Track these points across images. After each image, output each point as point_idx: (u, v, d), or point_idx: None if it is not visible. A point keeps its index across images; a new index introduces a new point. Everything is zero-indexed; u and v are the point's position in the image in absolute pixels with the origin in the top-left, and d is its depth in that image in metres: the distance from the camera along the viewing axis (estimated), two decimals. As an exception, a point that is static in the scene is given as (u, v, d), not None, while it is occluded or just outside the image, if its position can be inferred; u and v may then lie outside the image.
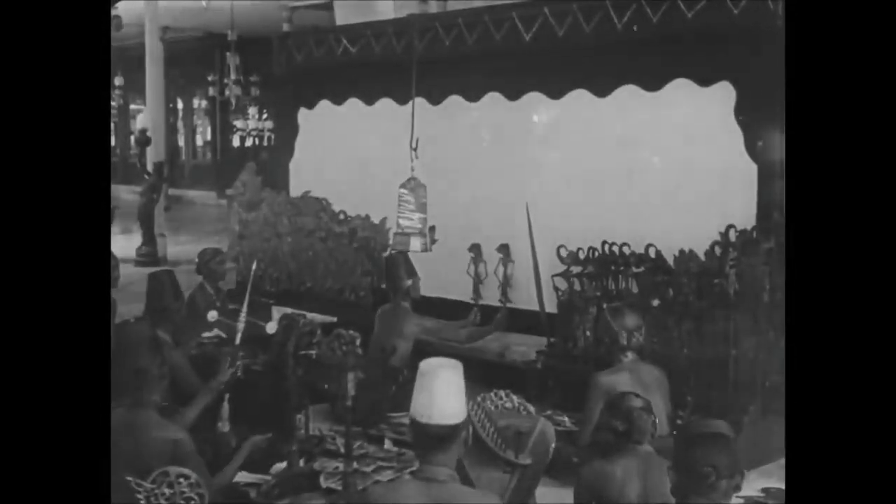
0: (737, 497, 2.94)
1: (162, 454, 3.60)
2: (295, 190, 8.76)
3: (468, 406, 2.96)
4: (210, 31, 19.32)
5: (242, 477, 4.38)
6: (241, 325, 4.77)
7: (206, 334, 6.03)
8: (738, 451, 2.98)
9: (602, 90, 6.54)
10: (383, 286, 6.92)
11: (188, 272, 7.41)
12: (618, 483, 3.53)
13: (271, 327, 5.08)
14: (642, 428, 3.65)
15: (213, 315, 5.40)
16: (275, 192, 8.83)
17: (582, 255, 6.20)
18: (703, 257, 5.62)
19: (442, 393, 2.85)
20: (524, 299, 6.98)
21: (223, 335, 5.86)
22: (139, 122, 14.89)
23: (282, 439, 4.49)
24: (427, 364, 2.91)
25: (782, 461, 4.43)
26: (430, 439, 2.86)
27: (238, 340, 4.74)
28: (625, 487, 3.52)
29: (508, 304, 7.06)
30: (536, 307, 6.73)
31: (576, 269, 6.21)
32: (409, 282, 6.32)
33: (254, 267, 5.42)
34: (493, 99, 7.21)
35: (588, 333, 6.01)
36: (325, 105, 8.60)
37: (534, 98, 6.95)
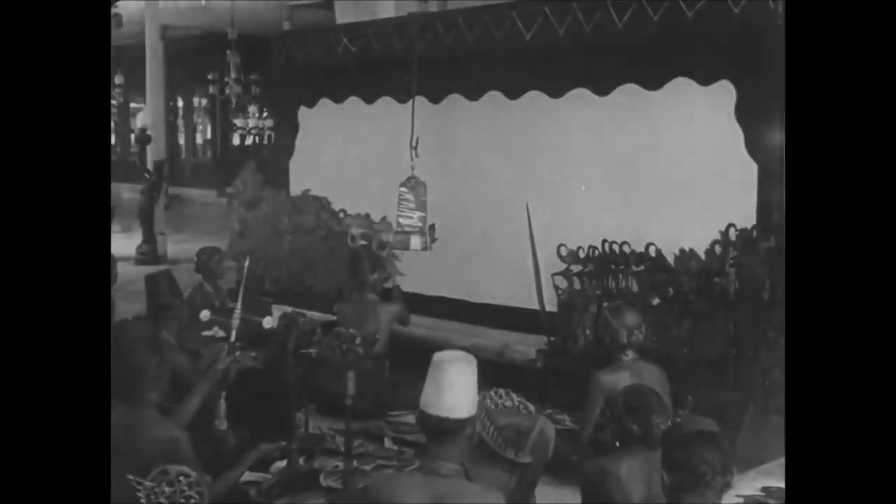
0: (737, 496, 2.93)
1: (159, 452, 3.59)
2: (295, 188, 8.75)
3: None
4: (210, 29, 19.25)
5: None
6: (235, 322, 4.77)
7: (206, 333, 6.03)
8: (728, 446, 2.98)
9: (602, 89, 6.53)
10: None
11: (188, 271, 7.41)
12: (622, 483, 3.51)
13: (268, 322, 5.08)
14: (656, 438, 3.59)
15: (205, 314, 5.39)
16: (275, 190, 8.83)
17: (582, 254, 6.21)
18: (703, 256, 5.63)
19: (452, 385, 2.83)
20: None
21: (223, 333, 5.86)
22: (139, 121, 14.86)
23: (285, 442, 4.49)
24: (440, 356, 2.89)
25: (782, 460, 4.44)
26: (438, 431, 2.85)
27: (234, 337, 4.74)
28: (629, 488, 3.51)
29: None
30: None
31: (576, 268, 6.21)
32: (375, 276, 6.40)
33: (246, 263, 5.41)
34: (493, 98, 7.20)
35: (588, 332, 6.02)
36: (325, 104, 8.59)
37: (534, 97, 6.94)
